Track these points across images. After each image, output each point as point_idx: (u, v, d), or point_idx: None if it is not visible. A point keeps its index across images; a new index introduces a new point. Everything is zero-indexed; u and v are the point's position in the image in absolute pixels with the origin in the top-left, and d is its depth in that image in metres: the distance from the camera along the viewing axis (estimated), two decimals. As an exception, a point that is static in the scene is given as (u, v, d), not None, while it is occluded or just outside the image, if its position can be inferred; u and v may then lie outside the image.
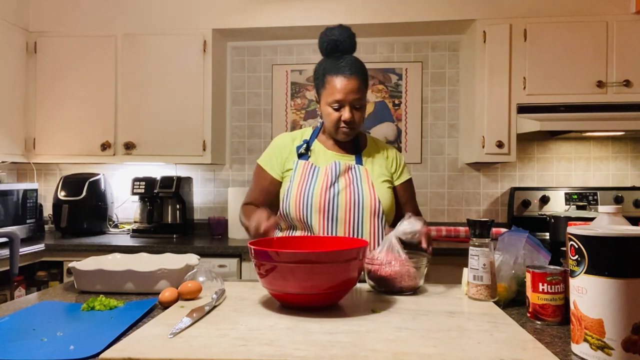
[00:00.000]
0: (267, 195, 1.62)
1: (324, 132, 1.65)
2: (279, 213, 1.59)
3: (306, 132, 1.68)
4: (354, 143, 1.64)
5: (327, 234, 1.51)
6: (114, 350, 0.86)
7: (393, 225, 1.65)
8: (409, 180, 1.69)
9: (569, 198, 2.85)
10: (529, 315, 1.07)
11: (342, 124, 1.53)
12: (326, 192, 1.51)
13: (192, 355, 0.84)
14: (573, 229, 0.86)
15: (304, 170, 1.56)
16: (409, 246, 1.35)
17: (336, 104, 1.51)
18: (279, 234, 1.64)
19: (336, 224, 1.51)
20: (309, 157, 1.60)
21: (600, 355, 0.80)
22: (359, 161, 1.60)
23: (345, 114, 1.51)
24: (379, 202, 1.54)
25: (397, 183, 1.65)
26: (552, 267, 1.10)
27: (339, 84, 1.49)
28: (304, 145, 1.61)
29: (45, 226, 3.16)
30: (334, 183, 1.53)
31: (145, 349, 0.86)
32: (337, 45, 1.53)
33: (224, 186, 3.20)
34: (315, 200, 1.50)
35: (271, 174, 1.61)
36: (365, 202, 1.53)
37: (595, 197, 2.82)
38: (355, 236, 1.52)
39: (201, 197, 3.22)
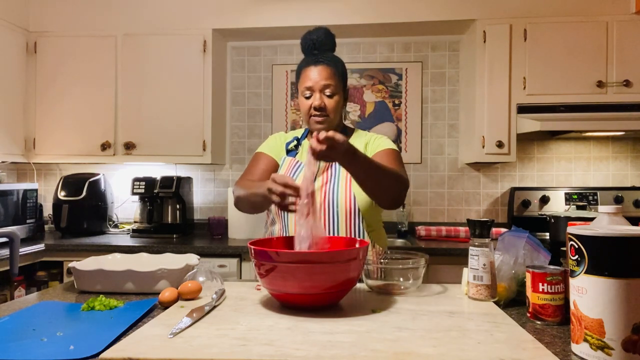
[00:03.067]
0: (268, 176, 1.56)
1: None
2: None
3: (298, 132, 1.70)
4: None
5: None
6: (114, 350, 0.86)
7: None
8: (385, 151, 1.57)
9: (569, 198, 2.85)
10: (529, 315, 1.07)
11: (313, 111, 1.54)
12: None
13: (192, 355, 0.84)
14: (573, 229, 0.86)
15: (289, 167, 1.58)
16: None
17: (307, 92, 1.54)
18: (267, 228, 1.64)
19: None
20: (297, 154, 1.62)
21: (600, 355, 0.80)
22: None
23: (315, 100, 1.52)
24: (354, 201, 1.50)
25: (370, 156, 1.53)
26: (552, 267, 1.10)
27: (309, 72, 1.54)
28: (294, 142, 1.63)
29: (45, 226, 3.16)
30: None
31: (145, 349, 0.86)
32: (315, 44, 1.57)
33: (224, 186, 3.20)
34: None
35: (272, 156, 1.63)
36: (340, 201, 1.50)
37: (595, 197, 2.82)
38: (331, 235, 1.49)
39: (201, 197, 3.22)
